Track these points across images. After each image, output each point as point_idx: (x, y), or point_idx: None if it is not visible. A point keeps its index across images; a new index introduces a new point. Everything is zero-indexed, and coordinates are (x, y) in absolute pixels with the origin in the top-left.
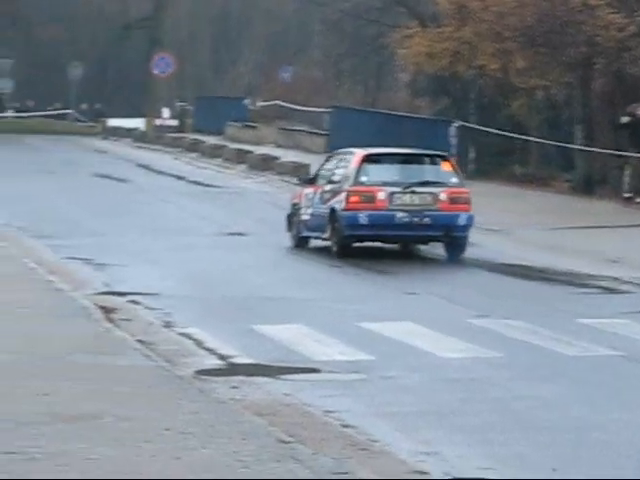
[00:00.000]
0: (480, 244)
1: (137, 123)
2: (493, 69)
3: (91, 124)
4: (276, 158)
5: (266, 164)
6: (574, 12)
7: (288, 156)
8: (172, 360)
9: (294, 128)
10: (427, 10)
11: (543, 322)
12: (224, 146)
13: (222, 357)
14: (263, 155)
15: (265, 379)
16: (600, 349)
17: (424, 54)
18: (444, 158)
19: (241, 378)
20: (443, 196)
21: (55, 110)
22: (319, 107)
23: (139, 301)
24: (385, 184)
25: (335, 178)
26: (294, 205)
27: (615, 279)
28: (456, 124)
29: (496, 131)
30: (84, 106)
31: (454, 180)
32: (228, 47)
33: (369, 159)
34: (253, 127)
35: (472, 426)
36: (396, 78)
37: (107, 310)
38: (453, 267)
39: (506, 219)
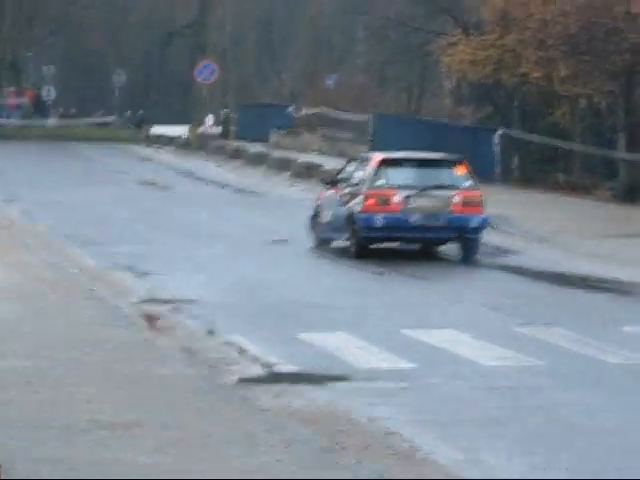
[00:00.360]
0: (523, 251)
1: (180, 130)
2: (536, 77)
3: (135, 131)
4: (319, 166)
5: (309, 172)
6: (617, 20)
7: (331, 164)
8: (215, 368)
9: (337, 135)
10: (471, 18)
11: (587, 330)
12: (268, 154)
13: (265, 365)
14: (306, 163)
15: (308, 387)
16: None
17: (468, 61)
18: (458, 162)
19: (284, 386)
20: (456, 199)
21: (99, 117)
22: (363, 114)
23: (182, 309)
24: (400, 187)
25: (354, 181)
26: (317, 207)
27: None
28: (499, 132)
29: (539, 139)
30: (128, 113)
31: (467, 183)
32: (272, 54)
33: (386, 163)
34: (297, 134)
35: (514, 434)
36: (440, 85)
37: (150, 318)
38: (494, 274)
39: (549, 227)
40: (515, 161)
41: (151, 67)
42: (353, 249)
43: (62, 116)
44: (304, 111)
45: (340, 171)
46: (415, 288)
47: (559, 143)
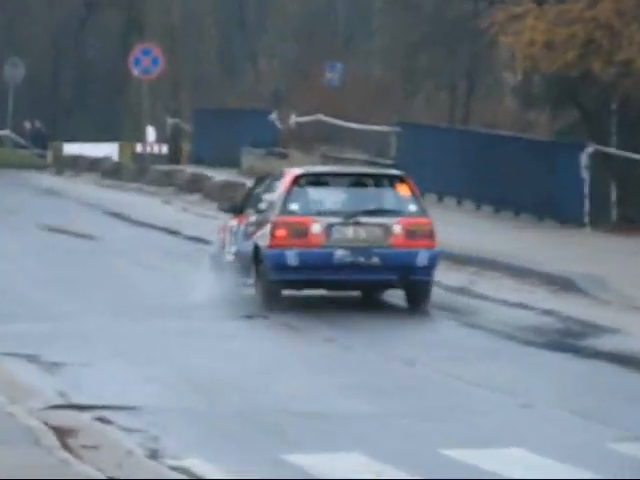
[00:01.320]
0: (625, 329)
1: (107, 150)
2: None
3: (38, 151)
4: None
5: None
6: None
7: None
8: None
9: (344, 156)
10: None
11: None
12: (239, 184)
13: None
14: None
15: None
16: None
17: (541, 43)
18: (400, 179)
19: None
20: (397, 228)
21: None
22: (382, 124)
23: (111, 418)
24: (321, 213)
25: (262, 206)
26: (220, 242)
27: None
28: (590, 149)
29: None
30: (27, 124)
31: (412, 208)
32: (244, 35)
33: (303, 180)
34: (283, 155)
35: None
36: (498, 80)
37: (63, 433)
38: (578, 362)
39: None
40: (613, 193)
41: (62, 56)
42: (259, 297)
43: None
44: (293, 120)
45: (248, 194)
46: (459, 383)
47: None
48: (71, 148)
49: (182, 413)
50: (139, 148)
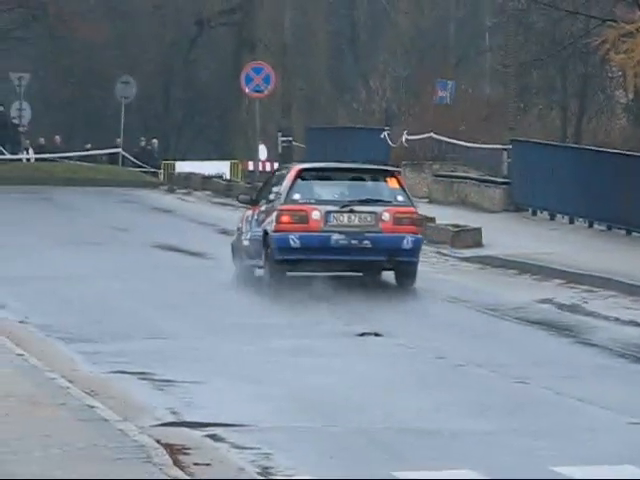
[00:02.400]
0: None
1: (219, 168)
2: None
3: (150, 170)
4: (430, 220)
5: None
6: None
7: (448, 216)
8: None
9: (456, 174)
10: None
11: None
12: None
13: None
14: None
15: None
16: None
17: None
18: (390, 174)
19: None
20: (386, 216)
21: (95, 150)
22: (493, 142)
23: (223, 436)
24: (320, 202)
25: (271, 197)
26: (238, 230)
27: None
28: None
29: None
30: (141, 142)
31: (400, 198)
32: (355, 53)
33: (305, 174)
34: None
35: None
36: (610, 98)
37: (175, 450)
38: None
39: None
40: None
41: (173, 74)
42: (266, 275)
43: (42, 150)
44: (405, 138)
45: (262, 187)
46: (555, 392)
47: None
48: (183, 166)
49: (293, 431)
50: (251, 166)
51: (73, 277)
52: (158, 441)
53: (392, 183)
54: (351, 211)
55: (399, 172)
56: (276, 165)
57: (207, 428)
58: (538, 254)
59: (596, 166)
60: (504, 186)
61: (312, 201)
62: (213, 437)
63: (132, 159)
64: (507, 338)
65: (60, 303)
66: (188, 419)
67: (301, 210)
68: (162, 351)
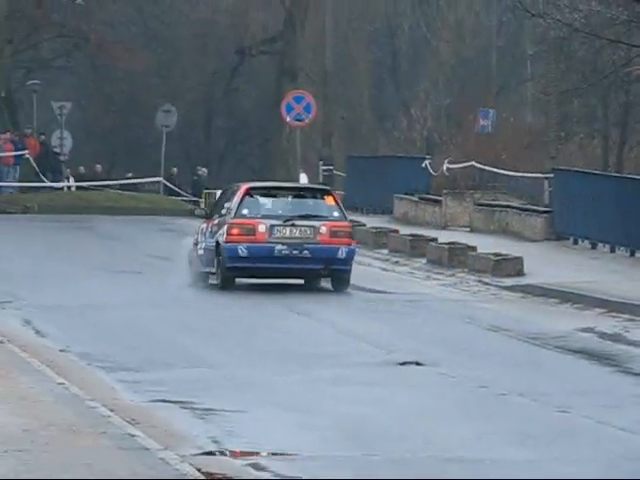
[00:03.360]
0: None
1: None
2: None
3: (192, 199)
4: (471, 248)
5: (456, 258)
6: None
7: (489, 245)
8: None
9: (497, 203)
10: None
11: None
12: (392, 231)
13: None
14: (451, 244)
15: None
16: None
17: None
18: (326, 192)
19: None
20: (323, 229)
21: (136, 178)
22: (534, 171)
23: (264, 465)
24: (265, 217)
25: (223, 211)
26: (194, 241)
27: None
28: None
29: None
30: (199, 171)
31: (335, 214)
32: (396, 82)
33: (252, 192)
34: (436, 202)
35: None
36: None
37: (217, 479)
38: None
39: None
40: None
41: (213, 102)
42: (218, 281)
43: (82, 178)
44: (446, 166)
45: (215, 203)
46: (597, 422)
47: None
48: None
49: (334, 460)
50: None
51: (113, 305)
52: (199, 470)
53: (329, 200)
54: (293, 225)
55: (333, 191)
56: None
57: (248, 457)
58: (579, 283)
59: (638, 195)
60: (545, 215)
61: (259, 216)
62: (254, 466)
63: (173, 187)
64: (548, 367)
65: (101, 331)
66: (229, 448)
67: (249, 223)
68: (203, 379)
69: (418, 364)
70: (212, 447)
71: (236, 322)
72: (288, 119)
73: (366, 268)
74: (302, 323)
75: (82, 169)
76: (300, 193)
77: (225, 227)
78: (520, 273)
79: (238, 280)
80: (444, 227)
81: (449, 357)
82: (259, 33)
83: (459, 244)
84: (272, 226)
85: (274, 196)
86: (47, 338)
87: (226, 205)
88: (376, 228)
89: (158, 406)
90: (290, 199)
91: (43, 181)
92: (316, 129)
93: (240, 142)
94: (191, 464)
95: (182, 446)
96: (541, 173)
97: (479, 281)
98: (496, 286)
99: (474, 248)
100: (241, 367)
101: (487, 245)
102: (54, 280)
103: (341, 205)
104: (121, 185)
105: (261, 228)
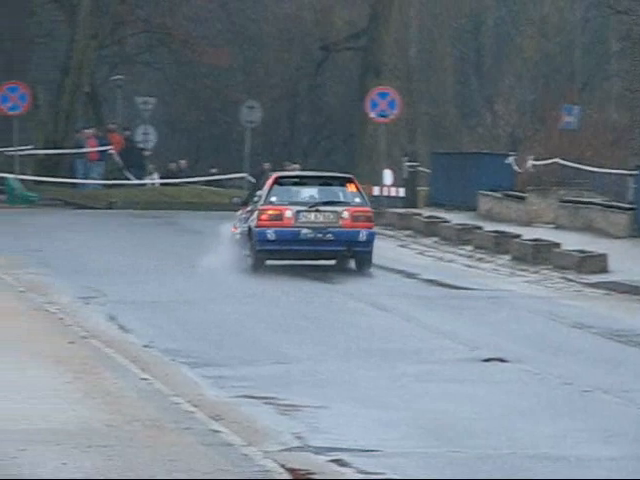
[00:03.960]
0: None
1: None
2: None
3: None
4: (555, 245)
5: (540, 255)
6: None
7: (573, 242)
8: None
9: (582, 200)
10: None
11: None
12: (476, 227)
13: None
14: (535, 241)
15: None
16: None
17: None
18: (349, 180)
19: None
20: (345, 214)
21: (219, 174)
22: (619, 167)
23: (348, 461)
24: (292, 203)
25: (255, 199)
26: (234, 226)
27: None
28: None
29: None
30: (266, 166)
31: (357, 200)
32: (480, 78)
33: (280, 181)
34: (520, 198)
35: None
36: None
37: (300, 475)
38: None
39: None
40: None
41: (298, 99)
42: (250, 262)
43: (168, 174)
44: (530, 163)
45: (250, 192)
46: None
47: None
48: None
49: (418, 456)
50: (376, 191)
51: (196, 301)
52: (283, 466)
53: (351, 188)
54: (317, 210)
55: (355, 179)
56: (401, 191)
57: (332, 453)
58: None
59: None
60: (630, 212)
61: (286, 202)
62: (338, 462)
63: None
64: (633, 364)
65: (184, 327)
66: (313, 444)
67: (277, 209)
68: (286, 375)
69: (502, 361)
70: (295, 443)
71: (318, 318)
72: (372, 115)
73: (450, 264)
74: (384, 319)
75: (168, 165)
76: (325, 181)
77: (256, 213)
78: (604, 270)
79: (312, 275)
80: (528, 224)
81: (533, 354)
82: (344, 29)
83: (543, 241)
84: (298, 212)
85: (301, 184)
86: (131, 333)
87: (258, 193)
88: (460, 224)
89: (242, 402)
90: (315, 187)
91: (127, 177)
92: (400, 125)
93: (324, 138)
94: (274, 460)
95: (265, 442)
96: (625, 170)
97: (563, 278)
98: (580, 283)
99: (558, 245)
100: (324, 363)
101: (571, 242)
102: (138, 275)
103: (362, 192)
104: (205, 181)
105: (288, 214)
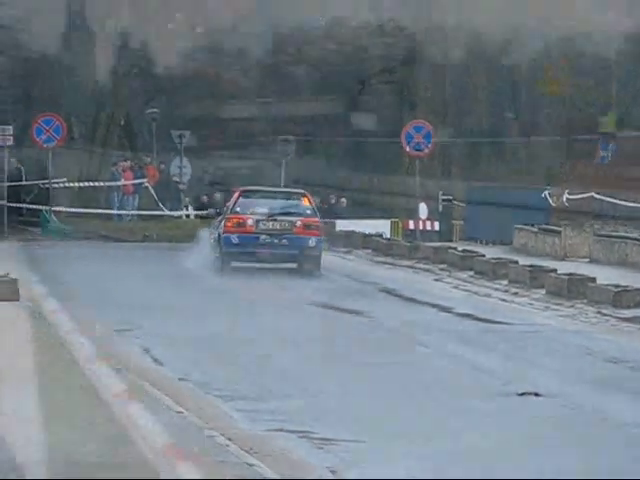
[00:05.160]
0: None
1: (379, 226)
2: None
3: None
4: (591, 279)
5: (575, 289)
6: None
7: (609, 276)
8: None
9: (617, 234)
10: None
11: None
12: (511, 261)
13: None
14: (571, 275)
15: None
16: None
17: None
18: (303, 195)
19: None
20: (298, 223)
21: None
22: None
23: None
24: (253, 213)
25: (225, 209)
26: (209, 233)
27: None
28: None
29: None
30: (332, 200)
31: (309, 212)
32: (516, 111)
33: (245, 194)
34: (555, 232)
35: None
36: None
37: None
38: None
39: None
40: None
41: (333, 132)
42: (218, 263)
43: (203, 206)
44: (566, 197)
45: (224, 203)
46: None
47: None
48: (343, 224)
49: None
50: (411, 225)
51: (232, 335)
52: None
53: (305, 201)
54: (274, 220)
55: (308, 194)
56: (436, 224)
57: None
58: None
59: None
60: None
61: (248, 212)
62: None
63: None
64: None
65: (219, 361)
66: (347, 477)
67: (240, 218)
68: (321, 409)
69: (537, 395)
70: (330, 476)
71: (353, 353)
72: (408, 149)
73: (485, 299)
74: (421, 355)
75: (203, 198)
76: (283, 195)
77: (223, 221)
78: None
79: (344, 317)
80: (564, 258)
81: (568, 388)
82: (379, 63)
83: (578, 275)
84: (258, 220)
85: (261, 197)
86: (165, 366)
87: (227, 205)
88: (495, 258)
89: (276, 435)
90: (274, 200)
91: (162, 209)
92: (435, 159)
93: (359, 172)
94: None
95: (300, 475)
96: None
97: (599, 312)
98: (616, 317)
99: (594, 279)
100: (359, 397)
101: (607, 276)
102: (173, 309)
103: (314, 205)
104: None
105: (250, 222)
